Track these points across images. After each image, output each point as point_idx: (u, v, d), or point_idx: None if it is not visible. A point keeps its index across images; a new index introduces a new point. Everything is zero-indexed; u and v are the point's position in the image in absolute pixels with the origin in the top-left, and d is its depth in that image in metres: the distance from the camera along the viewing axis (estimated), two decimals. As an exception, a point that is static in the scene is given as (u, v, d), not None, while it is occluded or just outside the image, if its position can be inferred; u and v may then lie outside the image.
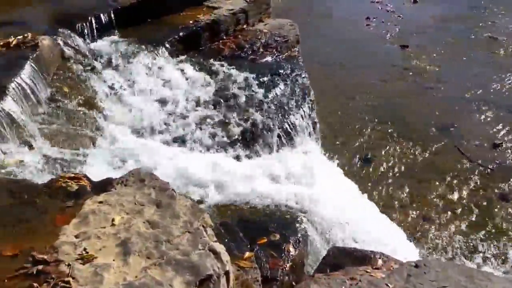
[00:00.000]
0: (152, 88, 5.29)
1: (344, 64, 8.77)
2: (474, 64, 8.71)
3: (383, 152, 6.51)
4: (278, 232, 3.98)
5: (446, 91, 7.85)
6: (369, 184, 6.01)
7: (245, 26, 6.47)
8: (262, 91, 5.39)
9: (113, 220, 2.69)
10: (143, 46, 5.59)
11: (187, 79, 5.48)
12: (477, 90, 7.76)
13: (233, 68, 5.67)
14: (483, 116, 7.11)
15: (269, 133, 4.98)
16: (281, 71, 5.74)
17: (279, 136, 5.02)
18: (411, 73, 8.52)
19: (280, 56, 6.05)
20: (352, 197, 4.98)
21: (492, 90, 7.78)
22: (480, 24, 10.42)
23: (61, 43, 5.23)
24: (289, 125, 5.09)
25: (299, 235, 4.03)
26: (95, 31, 5.70)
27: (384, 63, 8.90)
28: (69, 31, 5.39)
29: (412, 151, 6.56)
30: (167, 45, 5.70)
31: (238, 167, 4.61)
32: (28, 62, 4.58)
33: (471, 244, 5.21)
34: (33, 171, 3.77)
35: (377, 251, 3.96)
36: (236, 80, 5.51)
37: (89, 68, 5.27)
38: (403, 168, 6.27)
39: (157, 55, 5.57)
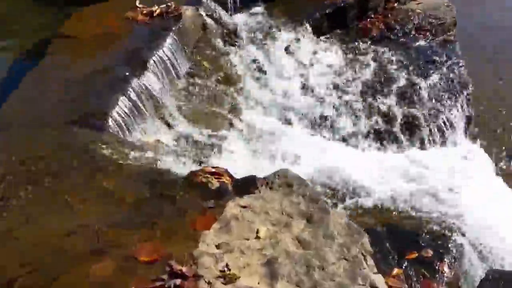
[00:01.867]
0: (294, 68, 4.86)
1: (498, 52, 7.66)
2: None
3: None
4: (431, 247, 3.43)
5: None
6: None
7: (396, 5, 5.78)
8: (414, 79, 4.74)
9: (257, 231, 2.34)
10: (287, 22, 5.19)
11: (331, 61, 4.98)
12: None
13: (382, 52, 5.06)
14: None
15: (422, 128, 4.37)
16: (436, 57, 5.03)
17: (431, 132, 4.38)
18: None
19: (435, 40, 5.31)
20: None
21: None
22: None
23: (203, 14, 4.94)
24: (444, 121, 4.43)
25: (454, 252, 3.45)
26: (238, 1, 5.35)
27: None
28: (212, 1, 5.07)
29: None
30: (312, 22, 5.23)
31: (386, 164, 4.09)
32: (171, 34, 4.36)
33: None
34: (170, 153, 3.53)
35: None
36: (385, 66, 4.92)
37: (230, 42, 4.94)
38: None
39: (301, 32, 5.11)
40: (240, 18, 5.25)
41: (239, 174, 3.07)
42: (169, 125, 3.84)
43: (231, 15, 5.24)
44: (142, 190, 2.62)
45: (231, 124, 4.11)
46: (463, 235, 3.62)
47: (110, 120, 3.37)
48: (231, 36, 5.01)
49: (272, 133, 4.16)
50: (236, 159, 3.74)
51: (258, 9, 5.39)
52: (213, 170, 2.78)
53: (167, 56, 4.18)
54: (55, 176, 2.70)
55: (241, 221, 2.39)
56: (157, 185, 2.67)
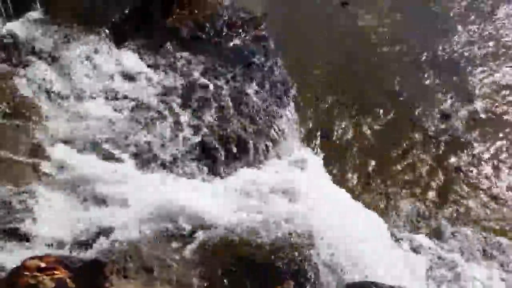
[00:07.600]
0: (97, 87, 4.30)
1: (279, 19, 7.86)
2: (419, 20, 8.27)
3: (339, 125, 5.89)
4: (291, 277, 3.36)
5: (393, 53, 7.36)
6: (332, 161, 5.38)
7: (200, -4, 5.49)
8: (239, 89, 4.56)
9: None
10: (80, 29, 4.55)
11: (137, 75, 4.52)
12: (424, 51, 7.38)
13: (195, 57, 4.76)
14: (431, 81, 6.78)
15: (254, 142, 4.21)
16: (254, 59, 4.92)
17: (266, 146, 4.27)
18: (357, 34, 7.86)
19: (247, 37, 5.19)
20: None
21: (439, 52, 7.42)
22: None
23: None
24: (276, 130, 4.34)
25: (313, 277, 3.43)
26: (10, 6, 4.53)
27: (327, 23, 8.08)
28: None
29: (366, 121, 6.02)
30: (111, 27, 4.65)
31: (226, 190, 3.88)
32: None
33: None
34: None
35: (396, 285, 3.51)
36: (201, 74, 4.61)
37: (10, 60, 4.16)
38: (361, 142, 5.72)
39: (98, 41, 4.53)
40: (16, 27, 4.46)
41: (69, 235, 2.57)
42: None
43: (4, 23, 4.43)
44: None
45: (37, 172, 3.44)
46: (318, 254, 3.63)
47: None
48: (10, 52, 4.23)
49: (89, 173, 3.60)
50: (56, 217, 3.15)
51: (36, 14, 4.63)
52: (42, 264, 2.21)
53: None
54: None
55: None
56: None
